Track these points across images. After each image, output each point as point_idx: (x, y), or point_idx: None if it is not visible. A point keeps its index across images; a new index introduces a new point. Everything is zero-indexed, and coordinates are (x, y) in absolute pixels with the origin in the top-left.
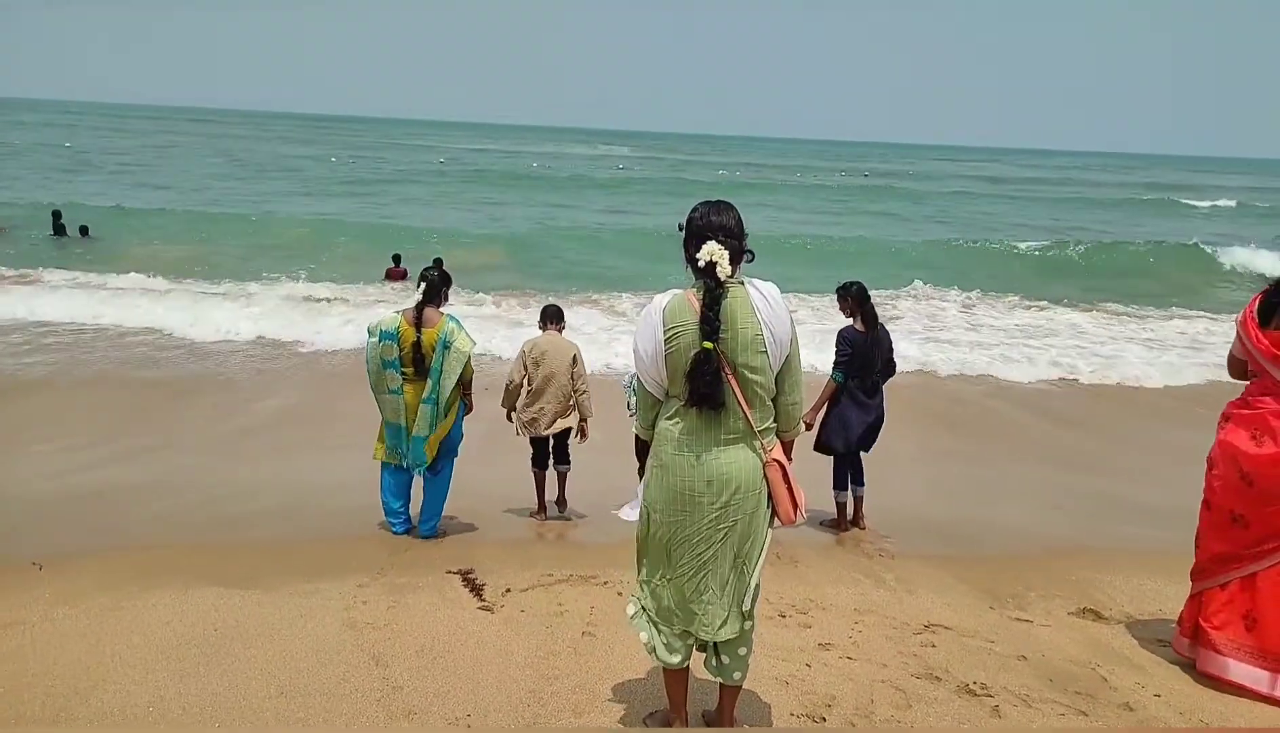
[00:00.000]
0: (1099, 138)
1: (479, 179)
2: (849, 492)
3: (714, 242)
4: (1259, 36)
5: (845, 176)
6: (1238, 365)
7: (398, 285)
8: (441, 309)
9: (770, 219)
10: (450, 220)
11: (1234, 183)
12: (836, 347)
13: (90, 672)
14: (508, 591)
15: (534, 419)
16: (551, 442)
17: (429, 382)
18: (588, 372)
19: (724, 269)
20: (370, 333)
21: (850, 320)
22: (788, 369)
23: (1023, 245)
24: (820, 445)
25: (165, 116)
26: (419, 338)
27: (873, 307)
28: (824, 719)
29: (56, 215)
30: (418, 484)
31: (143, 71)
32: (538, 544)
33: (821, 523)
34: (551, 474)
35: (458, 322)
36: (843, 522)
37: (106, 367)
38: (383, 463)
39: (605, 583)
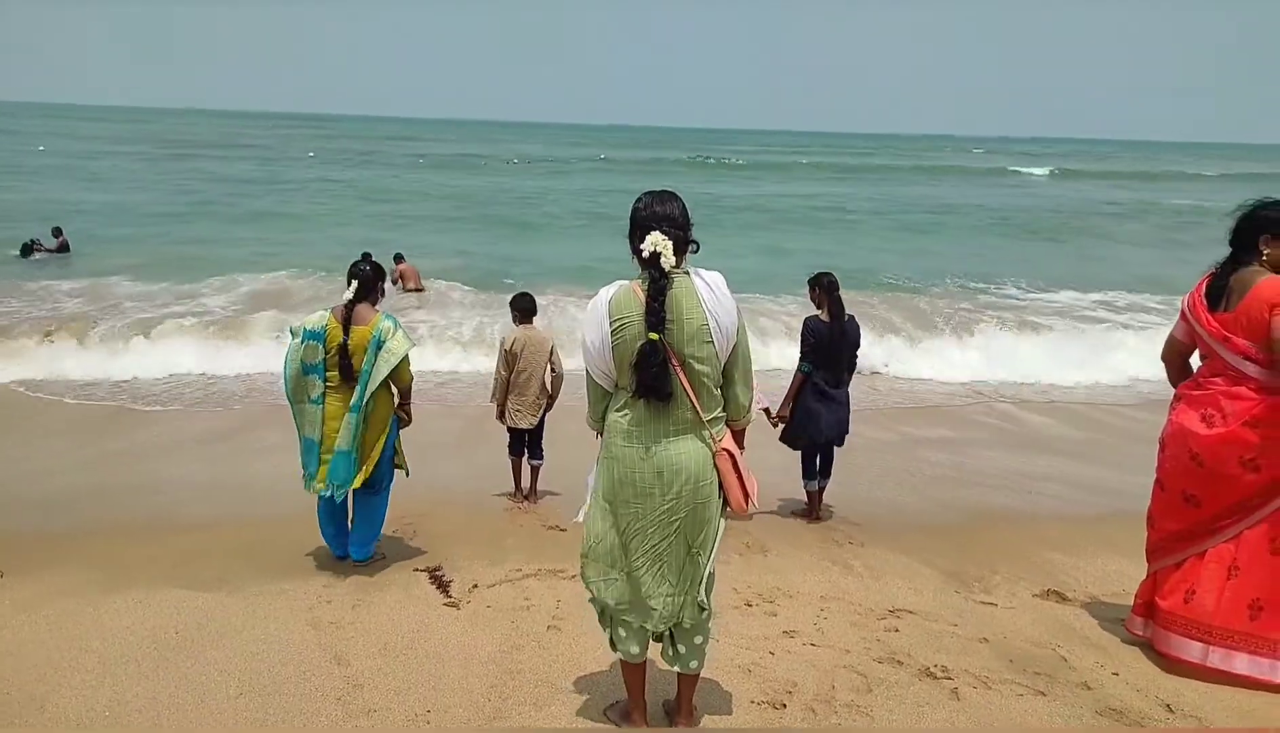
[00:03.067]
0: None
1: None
2: (816, 482)
3: (658, 232)
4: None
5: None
6: (1176, 348)
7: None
8: (377, 307)
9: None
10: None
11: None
12: (801, 337)
13: (47, 678)
14: (474, 587)
15: (517, 411)
16: (526, 436)
17: (357, 389)
18: (564, 364)
19: (668, 259)
20: (293, 334)
21: (818, 311)
22: (736, 358)
23: None
24: (785, 438)
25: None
26: (346, 339)
27: (840, 298)
28: (784, 706)
29: (31, 242)
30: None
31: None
32: (507, 539)
33: (793, 512)
34: (526, 469)
35: (394, 320)
36: (813, 511)
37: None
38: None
39: (573, 577)
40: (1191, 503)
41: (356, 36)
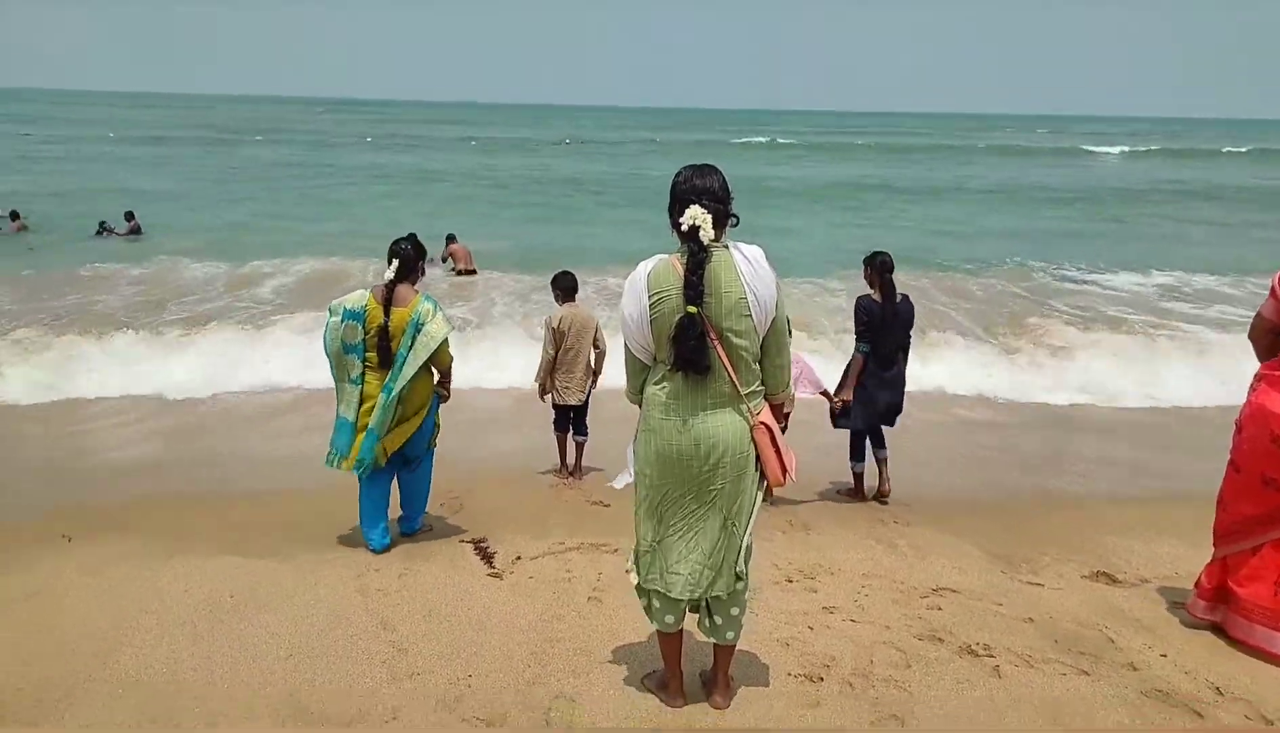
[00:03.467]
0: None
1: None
2: (865, 463)
3: (697, 206)
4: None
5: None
6: (1264, 326)
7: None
8: (416, 288)
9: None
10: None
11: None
12: (854, 318)
13: (108, 637)
14: (518, 558)
15: (565, 387)
16: (572, 412)
17: (391, 371)
18: (607, 341)
19: (707, 233)
20: (331, 311)
21: (871, 291)
22: (774, 332)
23: None
24: (838, 421)
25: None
26: (387, 320)
27: (892, 280)
28: (821, 680)
29: (102, 224)
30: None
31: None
32: (552, 514)
33: (839, 492)
34: (570, 445)
35: (434, 302)
36: (860, 492)
37: None
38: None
39: (615, 550)
40: (1272, 486)
41: (401, 24)
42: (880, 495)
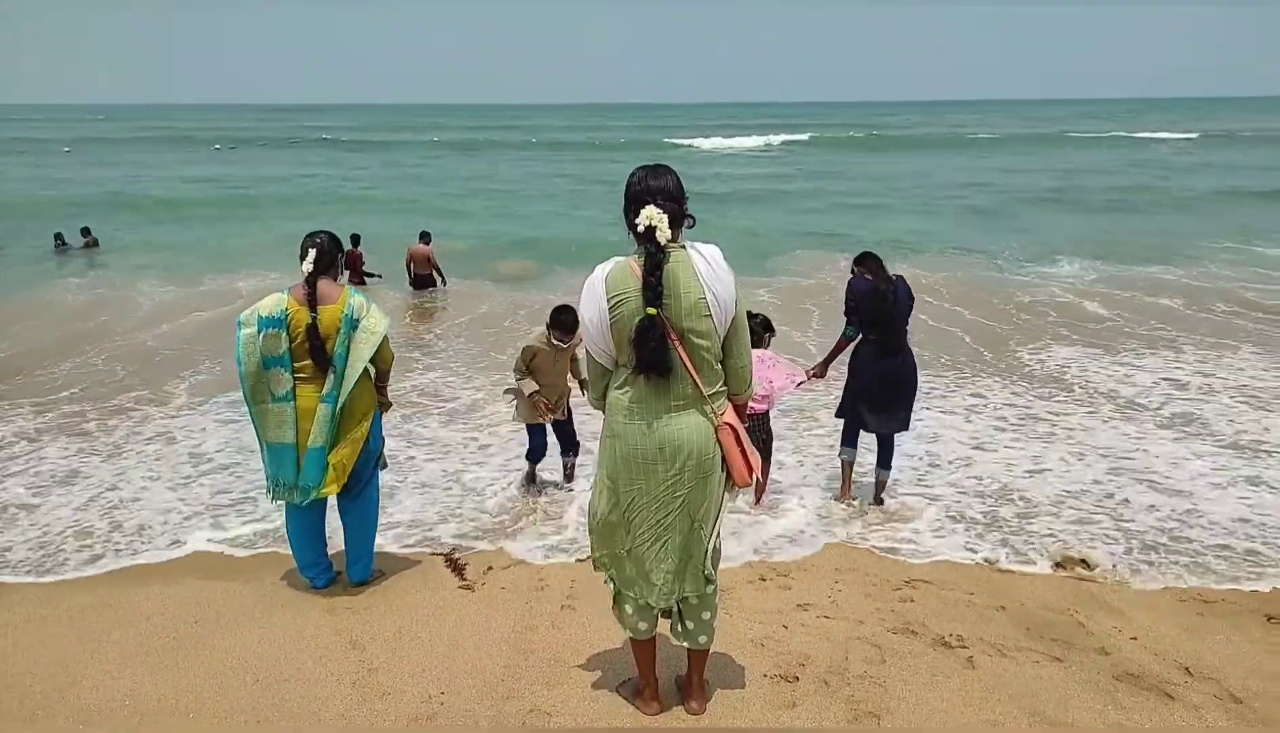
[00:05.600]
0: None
1: None
2: (855, 451)
3: (652, 206)
4: None
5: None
6: None
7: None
8: (340, 282)
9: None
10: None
11: None
12: (845, 301)
13: (69, 668)
14: (489, 569)
15: (535, 404)
16: (556, 432)
17: (331, 375)
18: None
19: (664, 233)
20: (242, 324)
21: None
22: (734, 332)
23: None
24: (839, 411)
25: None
26: (315, 319)
27: (885, 269)
28: (797, 679)
29: (58, 237)
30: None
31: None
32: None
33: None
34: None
35: (365, 295)
36: (846, 487)
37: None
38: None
39: (587, 559)
40: None
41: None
42: (875, 500)
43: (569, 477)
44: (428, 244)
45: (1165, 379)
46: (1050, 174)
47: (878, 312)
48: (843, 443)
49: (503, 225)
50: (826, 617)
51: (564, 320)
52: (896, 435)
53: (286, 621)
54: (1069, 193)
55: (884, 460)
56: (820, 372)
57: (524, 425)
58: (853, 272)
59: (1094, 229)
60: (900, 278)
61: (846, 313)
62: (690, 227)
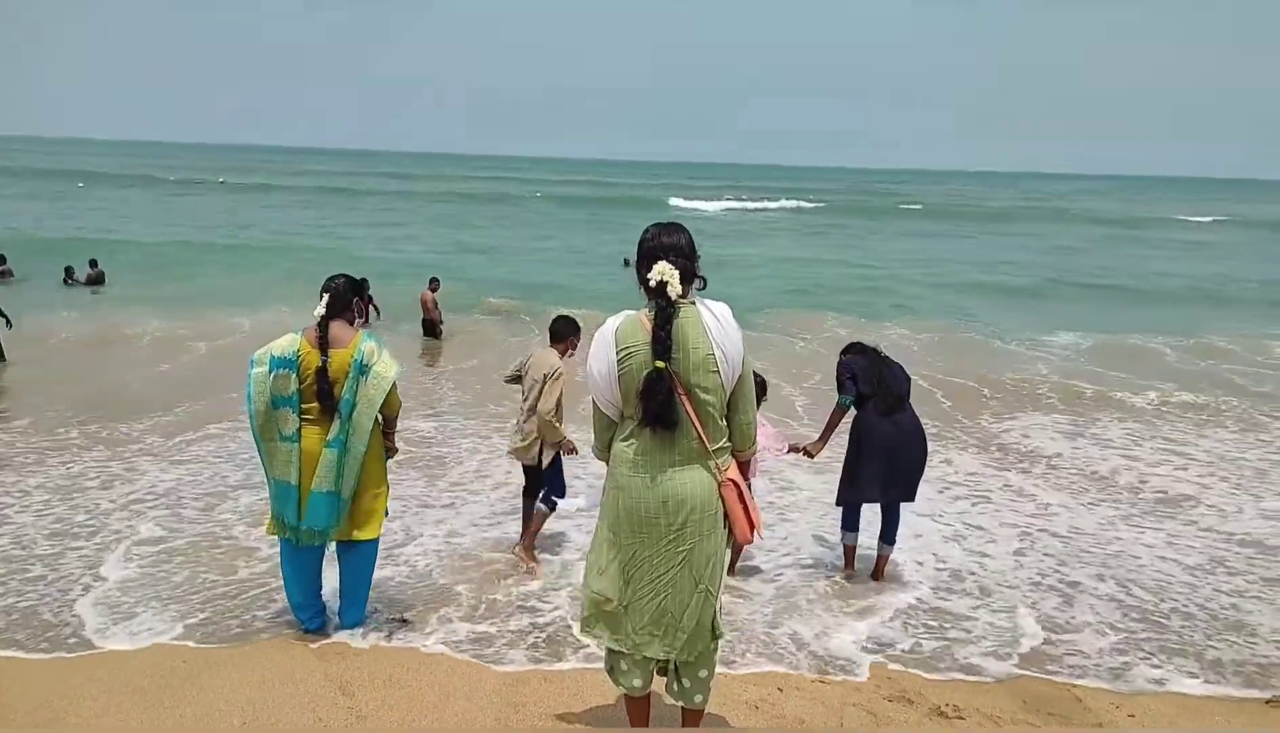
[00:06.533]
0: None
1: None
2: (858, 534)
3: (665, 261)
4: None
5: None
6: None
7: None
8: (355, 326)
9: None
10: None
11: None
12: (837, 375)
13: (53, 706)
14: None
15: (514, 435)
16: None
17: (337, 420)
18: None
19: (674, 288)
20: (255, 362)
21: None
22: (740, 388)
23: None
24: (844, 493)
25: None
26: (325, 362)
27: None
28: None
29: (68, 271)
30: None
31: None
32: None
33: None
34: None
35: (377, 340)
36: (849, 565)
37: None
38: (280, 539)
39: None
40: None
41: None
42: (874, 575)
43: (530, 527)
44: (434, 290)
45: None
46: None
47: (874, 374)
48: (844, 527)
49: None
50: (822, 682)
51: (550, 325)
52: (902, 506)
53: (276, 664)
54: None
55: (888, 535)
56: (817, 448)
57: (527, 466)
58: (840, 360)
59: None
60: (899, 364)
61: (840, 384)
62: (701, 288)
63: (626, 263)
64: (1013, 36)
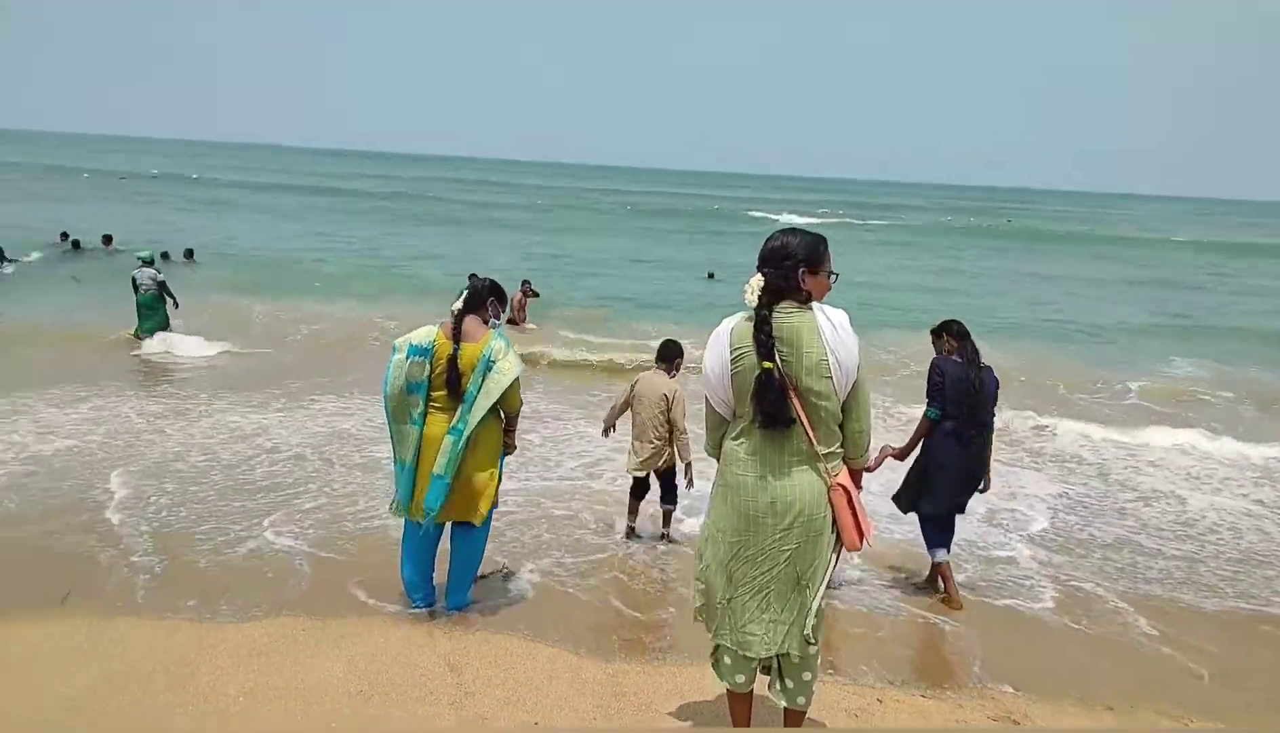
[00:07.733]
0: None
1: None
2: (948, 553)
3: (758, 274)
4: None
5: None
6: None
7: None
8: (489, 324)
9: None
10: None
11: None
12: (928, 379)
13: (189, 661)
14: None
15: (632, 455)
16: (658, 480)
17: (460, 409)
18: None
19: (750, 298)
20: (396, 349)
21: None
22: (855, 397)
23: None
24: (911, 505)
25: None
26: (456, 353)
27: (974, 344)
28: None
29: (64, 235)
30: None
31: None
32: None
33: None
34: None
35: (506, 340)
36: (951, 593)
37: None
38: (404, 519)
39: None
40: None
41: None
42: (949, 604)
43: (664, 523)
44: (526, 293)
45: None
46: None
47: (963, 395)
48: (932, 545)
49: None
50: (924, 696)
51: (659, 348)
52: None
53: (388, 639)
54: None
55: (944, 541)
56: (902, 454)
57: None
58: (934, 341)
59: None
60: (989, 367)
61: (930, 394)
62: (832, 284)
63: (710, 275)
64: None
